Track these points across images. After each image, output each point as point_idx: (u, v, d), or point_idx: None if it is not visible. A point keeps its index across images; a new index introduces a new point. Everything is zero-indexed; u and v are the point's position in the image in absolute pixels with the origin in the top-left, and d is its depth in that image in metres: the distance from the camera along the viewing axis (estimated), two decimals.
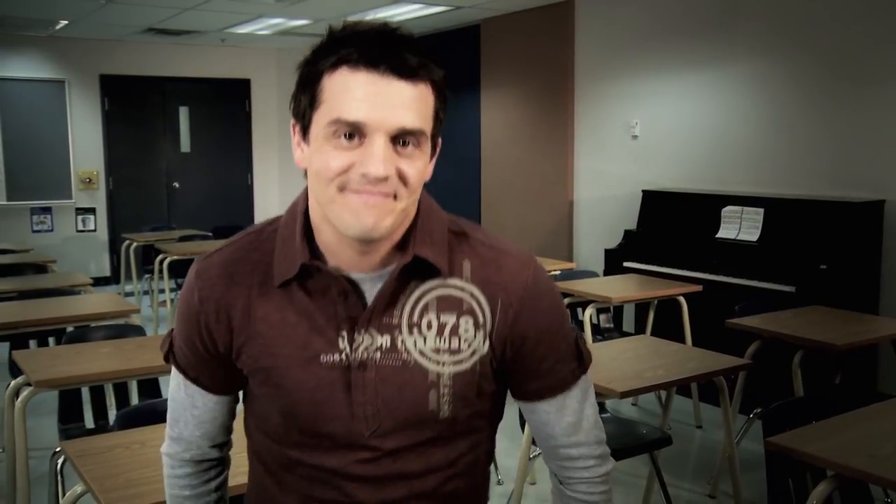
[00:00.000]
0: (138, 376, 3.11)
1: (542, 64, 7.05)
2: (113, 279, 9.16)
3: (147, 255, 7.53)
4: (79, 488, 2.16)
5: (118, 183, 9.28)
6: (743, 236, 5.10)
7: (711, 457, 4.25)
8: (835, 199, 4.78)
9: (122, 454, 2.17)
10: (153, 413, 2.52)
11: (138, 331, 3.64)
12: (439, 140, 1.27)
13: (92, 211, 9.17)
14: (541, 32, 7.05)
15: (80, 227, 9.14)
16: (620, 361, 3.10)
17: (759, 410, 3.97)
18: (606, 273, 5.61)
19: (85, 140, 9.03)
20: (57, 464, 3.18)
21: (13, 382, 3.14)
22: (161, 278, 6.53)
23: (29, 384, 3.05)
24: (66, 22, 7.76)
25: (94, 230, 9.20)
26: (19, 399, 2.93)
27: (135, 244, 7.40)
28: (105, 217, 9.23)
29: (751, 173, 5.46)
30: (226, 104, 9.83)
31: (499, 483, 3.94)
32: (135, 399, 3.56)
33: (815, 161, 5.09)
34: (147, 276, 7.50)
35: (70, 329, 4.26)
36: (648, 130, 6.18)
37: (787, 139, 5.24)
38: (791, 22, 5.16)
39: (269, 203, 10.09)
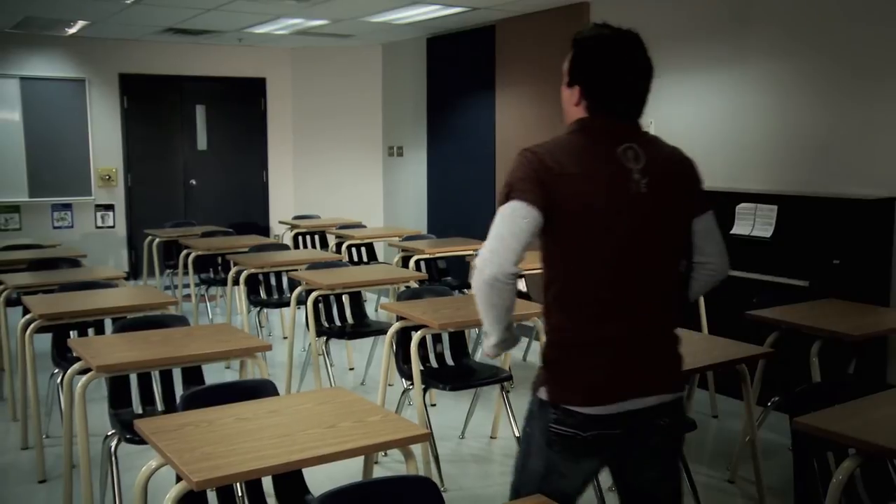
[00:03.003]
0: (190, 363, 3.26)
1: (557, 64, 7.17)
2: (131, 274, 9.31)
3: (168, 251, 7.69)
4: (153, 463, 2.31)
5: (136, 180, 9.44)
6: (757, 232, 5.25)
7: (728, 445, 4.41)
8: (846, 196, 4.93)
9: (192, 432, 2.33)
10: (214, 395, 2.68)
11: (182, 321, 3.79)
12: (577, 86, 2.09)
13: (111, 208, 9.33)
14: (555, 33, 7.20)
15: (100, 223, 9.30)
16: None
17: (776, 399, 4.13)
18: None
19: (104, 138, 9.19)
20: (110, 446, 3.36)
21: (70, 369, 3.29)
22: (185, 273, 6.69)
23: (84, 371, 3.21)
24: (84, 22, 7.91)
25: (113, 226, 9.36)
26: (80, 384, 3.08)
27: (157, 240, 7.55)
28: (124, 213, 9.40)
29: (764, 171, 5.62)
30: (242, 103, 9.99)
31: None
32: (178, 385, 3.71)
33: (826, 159, 5.24)
34: (168, 271, 7.65)
35: (107, 320, 4.45)
36: (663, 130, 6.33)
37: (799, 138, 5.39)
38: (802, 23, 5.31)
39: (284, 200, 10.25)
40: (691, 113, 6.10)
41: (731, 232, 5.37)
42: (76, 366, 3.29)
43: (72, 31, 8.46)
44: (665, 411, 2.06)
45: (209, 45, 9.62)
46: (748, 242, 5.21)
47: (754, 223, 5.29)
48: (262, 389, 2.76)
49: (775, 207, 5.19)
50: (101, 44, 9.07)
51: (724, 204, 5.49)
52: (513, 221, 1.93)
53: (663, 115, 6.31)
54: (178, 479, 2.40)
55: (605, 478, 3.85)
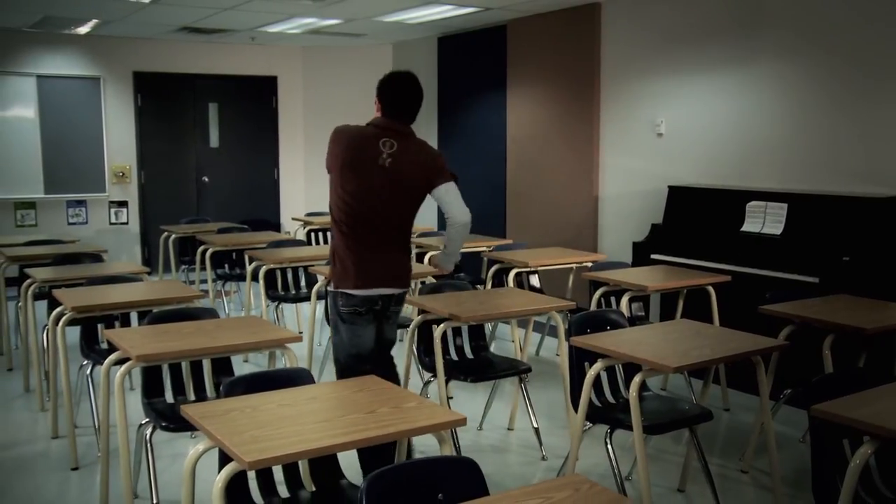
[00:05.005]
0: (226, 353, 3.36)
1: (568, 64, 7.30)
2: None
3: (183, 247, 7.79)
4: (201, 446, 2.42)
5: (150, 177, 9.56)
6: (767, 230, 5.36)
7: (740, 437, 4.51)
8: (856, 194, 5.03)
9: (238, 416, 2.43)
10: (254, 383, 2.79)
11: (212, 313, 3.89)
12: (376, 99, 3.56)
13: (125, 204, 9.45)
14: (567, 33, 7.30)
15: (113, 219, 9.41)
16: (668, 342, 3.35)
17: (788, 391, 4.24)
18: (634, 265, 5.87)
19: (118, 135, 9.30)
20: (145, 434, 3.46)
21: (107, 359, 3.40)
22: (203, 269, 6.79)
23: (120, 361, 3.32)
24: (96, 21, 8.00)
25: (127, 223, 9.48)
26: (118, 373, 3.19)
27: (173, 236, 7.65)
28: (137, 210, 9.51)
29: (774, 170, 5.72)
30: (253, 101, 10.10)
31: (543, 458, 4.20)
32: (208, 375, 3.81)
33: (836, 158, 5.35)
34: (184, 266, 7.76)
35: (133, 313, 4.56)
36: (674, 129, 6.44)
37: (808, 137, 5.50)
38: (812, 23, 5.41)
39: (294, 197, 10.36)
40: (702, 112, 6.20)
41: (742, 229, 5.48)
42: (112, 356, 3.39)
43: (83, 29, 8.55)
44: (398, 299, 3.66)
45: (222, 44, 9.73)
46: (758, 239, 5.32)
47: (765, 221, 5.39)
48: (299, 378, 2.86)
49: (785, 205, 5.30)
50: (115, 42, 9.18)
51: (735, 202, 5.60)
52: (336, 150, 3.50)
53: (675, 115, 6.42)
54: (222, 463, 2.52)
55: (624, 468, 3.96)
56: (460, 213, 3.61)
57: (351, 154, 3.47)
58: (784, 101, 5.63)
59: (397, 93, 3.52)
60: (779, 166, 5.69)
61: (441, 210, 3.64)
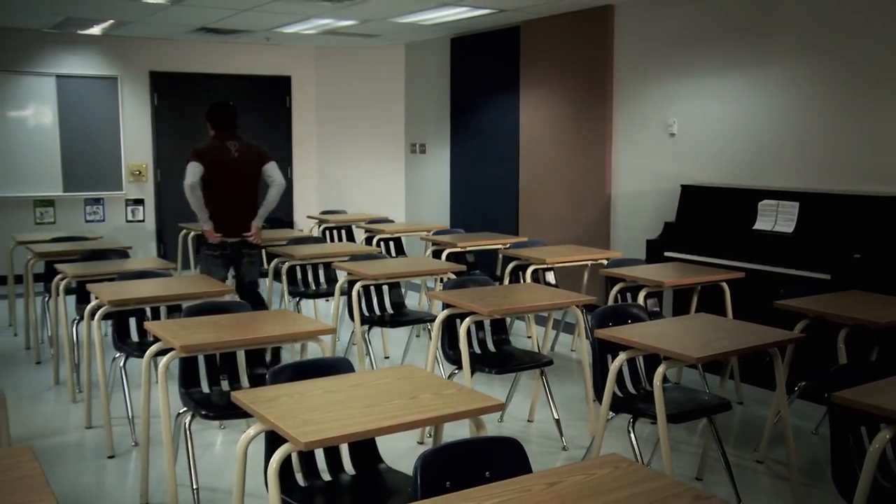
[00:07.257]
0: (263, 344, 3.49)
1: (581, 65, 7.42)
2: None
3: (200, 244, 7.91)
4: (252, 431, 2.55)
5: (165, 175, 9.68)
6: (779, 228, 5.48)
7: (754, 429, 4.64)
8: (866, 193, 5.15)
9: (287, 402, 2.56)
10: (297, 371, 2.91)
11: (244, 307, 4.02)
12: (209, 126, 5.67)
13: (141, 202, 9.58)
14: (580, 35, 7.43)
15: (130, 217, 9.54)
16: (689, 334, 3.48)
17: (802, 384, 4.36)
18: (648, 262, 5.99)
19: (135, 134, 9.44)
20: (184, 422, 3.59)
21: (149, 350, 3.53)
22: None
23: (161, 352, 3.45)
24: (112, 21, 8.12)
25: (143, 220, 9.61)
26: (162, 362, 3.32)
27: (192, 233, 7.78)
28: (153, 208, 9.64)
29: (786, 169, 5.84)
30: (267, 100, 10.22)
31: (564, 449, 4.33)
32: (242, 366, 3.94)
33: (846, 158, 5.47)
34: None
35: (162, 307, 4.69)
36: (686, 129, 6.56)
37: (819, 137, 5.62)
38: (821, 26, 5.54)
39: (307, 195, 10.48)
40: (714, 113, 6.33)
41: (754, 227, 5.60)
42: (153, 347, 3.52)
43: (95, 30, 8.68)
44: (246, 244, 5.59)
45: (237, 44, 9.85)
46: (770, 237, 5.44)
47: (776, 219, 5.51)
48: (339, 367, 2.99)
49: (797, 204, 5.42)
50: (132, 43, 9.31)
51: (747, 200, 5.72)
52: (194, 167, 5.34)
53: (687, 116, 6.54)
54: (271, 445, 2.65)
55: (646, 453, 4.09)
56: (281, 178, 5.57)
57: (214, 157, 5.38)
58: (794, 101, 5.75)
59: (222, 116, 5.52)
60: (790, 166, 5.82)
61: (268, 180, 5.54)
